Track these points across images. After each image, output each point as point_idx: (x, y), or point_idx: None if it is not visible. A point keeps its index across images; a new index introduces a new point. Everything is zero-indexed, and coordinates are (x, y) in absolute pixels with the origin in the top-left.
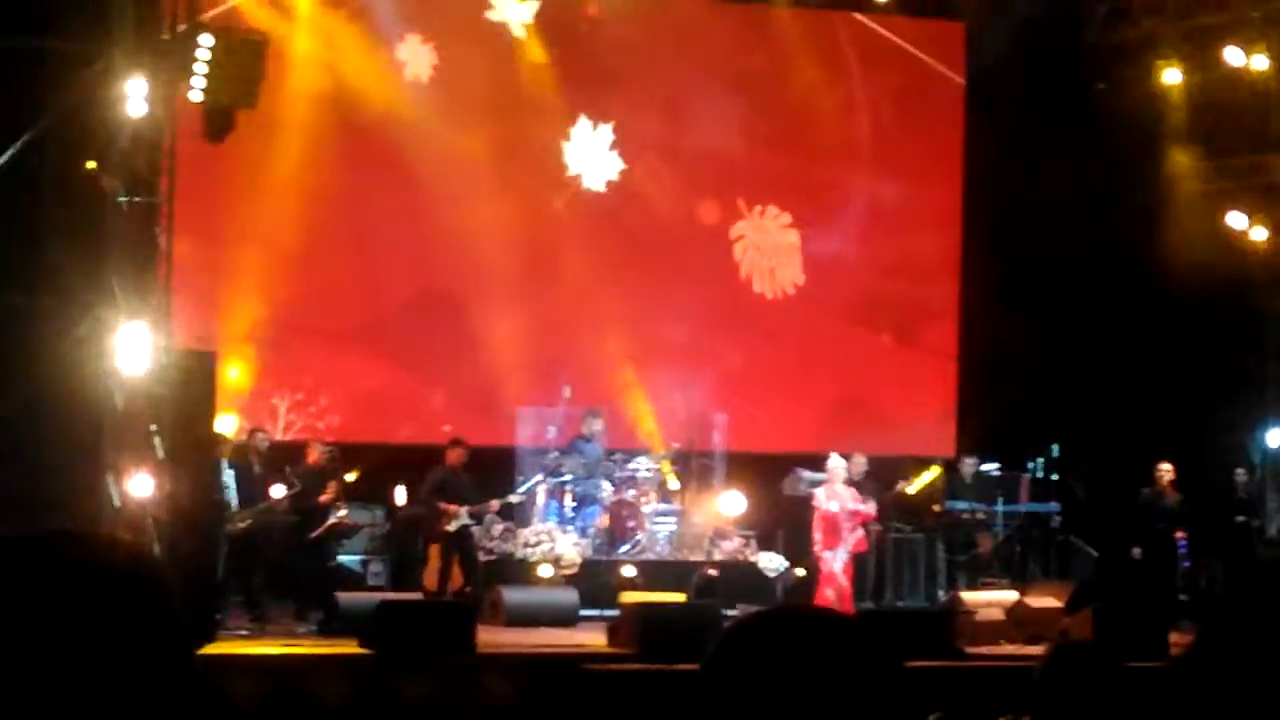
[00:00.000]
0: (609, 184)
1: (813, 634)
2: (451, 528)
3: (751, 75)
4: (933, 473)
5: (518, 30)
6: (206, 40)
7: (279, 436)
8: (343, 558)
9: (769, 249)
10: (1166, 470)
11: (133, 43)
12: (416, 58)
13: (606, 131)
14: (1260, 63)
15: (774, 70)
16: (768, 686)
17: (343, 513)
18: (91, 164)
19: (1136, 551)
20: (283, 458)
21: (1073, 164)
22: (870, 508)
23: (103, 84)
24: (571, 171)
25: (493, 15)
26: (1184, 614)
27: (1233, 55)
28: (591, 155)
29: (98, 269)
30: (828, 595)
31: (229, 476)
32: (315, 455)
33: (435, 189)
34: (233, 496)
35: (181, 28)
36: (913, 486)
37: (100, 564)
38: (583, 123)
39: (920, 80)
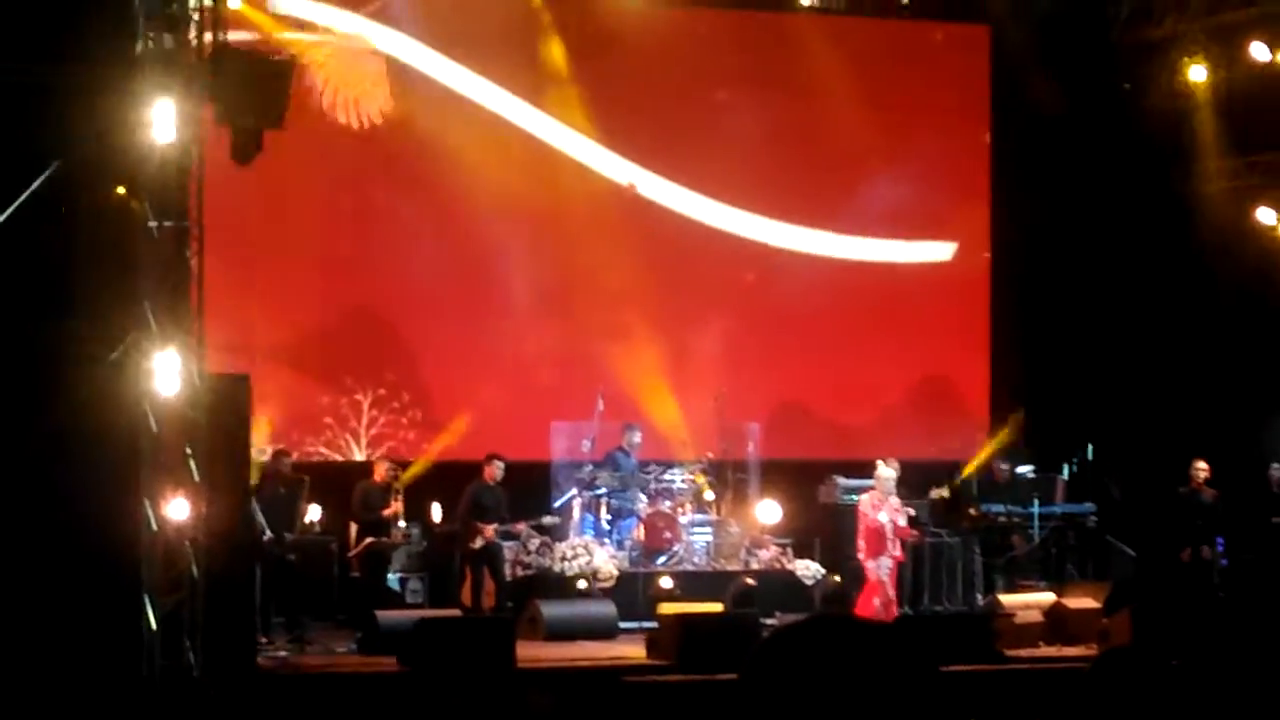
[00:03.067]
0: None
1: (850, 640)
2: (477, 544)
3: (773, 81)
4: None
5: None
6: (232, 63)
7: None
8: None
9: (793, 259)
10: (1202, 469)
11: (159, 67)
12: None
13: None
14: None
15: (795, 75)
16: (806, 692)
17: (402, 525)
18: (121, 189)
19: (1186, 553)
20: (336, 477)
21: (1101, 163)
22: (911, 533)
23: (130, 109)
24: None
25: None
26: (1222, 612)
27: (1258, 51)
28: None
29: (130, 294)
30: (874, 604)
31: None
32: (381, 472)
33: (464, 202)
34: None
35: (207, 51)
36: (947, 490)
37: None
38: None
39: (945, 83)
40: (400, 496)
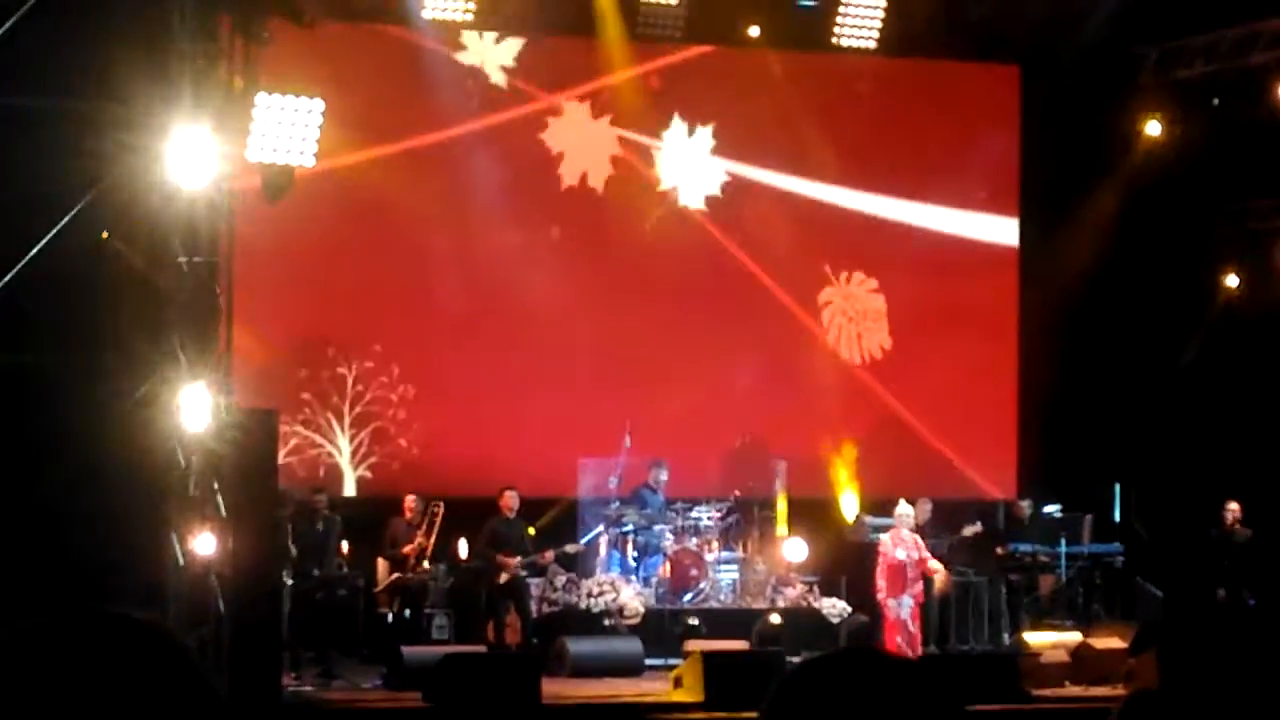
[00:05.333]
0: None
1: (874, 675)
2: (503, 579)
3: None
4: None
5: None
6: (264, 100)
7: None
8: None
9: (857, 315)
10: (1233, 509)
11: (191, 102)
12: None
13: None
14: None
15: (827, 115)
16: None
17: (426, 565)
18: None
19: (1221, 593)
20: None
21: (1129, 202)
22: (933, 563)
23: (160, 145)
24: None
25: None
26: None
27: None
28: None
29: (160, 328)
30: (897, 642)
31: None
32: (410, 513)
33: (492, 231)
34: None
35: (240, 89)
36: (977, 526)
37: (116, 644)
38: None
39: (977, 123)
40: (426, 531)
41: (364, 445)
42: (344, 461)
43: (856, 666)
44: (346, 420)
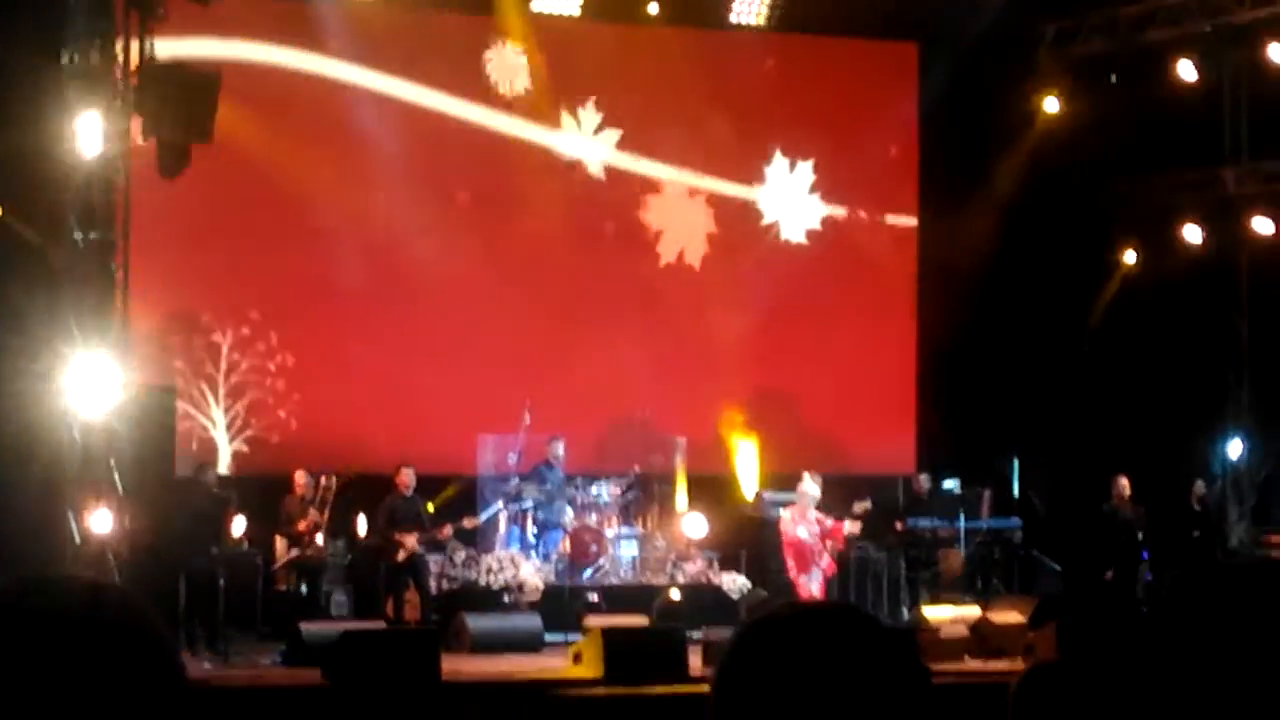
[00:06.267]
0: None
1: (835, 627)
2: (401, 556)
3: (703, 96)
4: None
5: None
6: (159, 76)
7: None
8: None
9: (721, 274)
10: (1124, 484)
11: (86, 80)
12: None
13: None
14: (1211, 76)
15: (725, 92)
16: (788, 682)
17: (320, 542)
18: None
19: (1109, 574)
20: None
21: (1025, 179)
22: (847, 525)
23: (56, 122)
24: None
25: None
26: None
27: (1185, 70)
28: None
29: (55, 306)
30: None
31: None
32: (300, 485)
33: (389, 202)
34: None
35: (134, 65)
36: (866, 503)
37: (75, 605)
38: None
39: (873, 101)
40: (319, 507)
41: (239, 418)
42: (219, 434)
43: (815, 619)
44: (221, 391)
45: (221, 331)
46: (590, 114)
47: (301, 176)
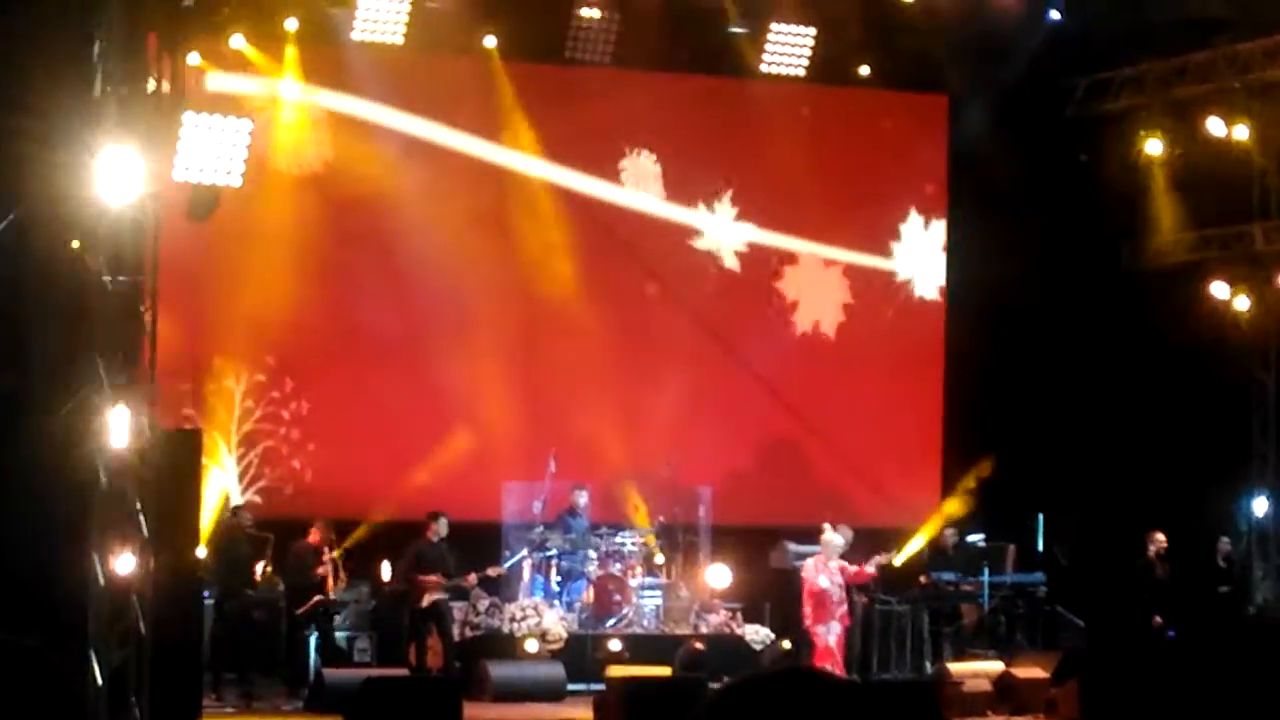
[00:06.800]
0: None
1: (813, 697)
2: (425, 603)
3: (732, 146)
4: (921, 538)
5: None
6: (191, 119)
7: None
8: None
9: (748, 327)
10: (1159, 540)
11: (117, 121)
12: None
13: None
14: (1241, 133)
15: (755, 142)
16: None
17: (342, 589)
18: (76, 243)
19: (1157, 619)
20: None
21: (1057, 235)
22: (870, 567)
23: (86, 163)
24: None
25: None
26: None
27: (1214, 126)
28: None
29: (83, 349)
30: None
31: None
32: (317, 535)
33: (420, 255)
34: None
35: (167, 107)
36: (899, 557)
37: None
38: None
39: (905, 152)
40: (333, 559)
41: (253, 467)
42: (231, 483)
43: (793, 687)
44: (234, 439)
45: (235, 377)
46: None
47: (327, 217)
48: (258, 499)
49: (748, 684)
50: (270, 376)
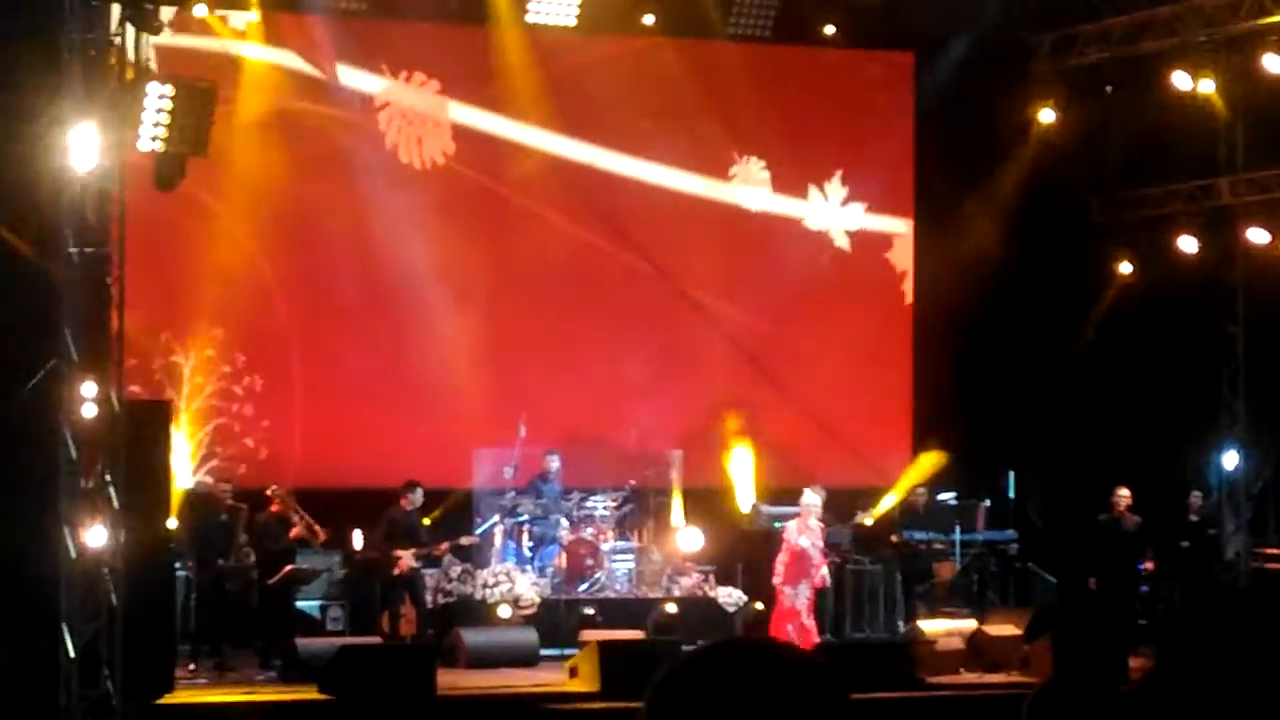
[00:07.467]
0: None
1: (760, 667)
2: (398, 570)
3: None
4: (893, 497)
5: None
6: (155, 89)
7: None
8: (301, 603)
9: (715, 287)
10: (1124, 495)
11: (81, 93)
12: None
13: None
14: (1206, 86)
15: (721, 104)
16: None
17: (321, 539)
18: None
19: (1092, 582)
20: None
21: (1026, 189)
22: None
23: (51, 135)
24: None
25: None
26: (1143, 638)
27: (1180, 80)
28: None
29: (50, 320)
30: (787, 630)
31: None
32: (278, 504)
33: (388, 223)
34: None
35: (130, 78)
36: (870, 517)
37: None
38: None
39: (870, 110)
40: (303, 520)
41: (203, 445)
42: (183, 464)
43: (741, 658)
44: (183, 417)
45: (183, 353)
46: None
47: (292, 190)
48: (209, 479)
49: (684, 668)
50: (220, 350)
